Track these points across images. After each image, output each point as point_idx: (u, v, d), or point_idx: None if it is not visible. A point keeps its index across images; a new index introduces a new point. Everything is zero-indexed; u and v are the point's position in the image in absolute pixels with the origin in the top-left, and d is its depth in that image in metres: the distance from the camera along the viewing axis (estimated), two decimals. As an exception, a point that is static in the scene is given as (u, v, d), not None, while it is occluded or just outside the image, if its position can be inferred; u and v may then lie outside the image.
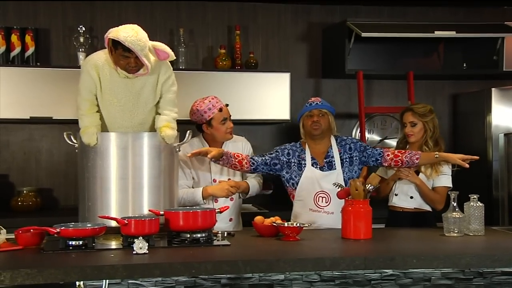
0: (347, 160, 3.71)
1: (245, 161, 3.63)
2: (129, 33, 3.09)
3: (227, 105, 3.82)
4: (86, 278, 2.60)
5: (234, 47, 5.04)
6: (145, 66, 3.18)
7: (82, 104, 3.28)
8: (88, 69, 3.24)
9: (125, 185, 3.18)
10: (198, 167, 3.79)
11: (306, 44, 5.35)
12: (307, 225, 3.27)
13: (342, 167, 3.68)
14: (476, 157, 3.64)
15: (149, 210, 3.14)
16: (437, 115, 3.96)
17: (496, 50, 5.06)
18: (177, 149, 3.33)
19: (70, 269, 2.55)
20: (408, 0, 5.29)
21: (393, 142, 5.28)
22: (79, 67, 3.87)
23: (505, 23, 5.15)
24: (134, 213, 3.15)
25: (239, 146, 3.88)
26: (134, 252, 2.78)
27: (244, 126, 4.83)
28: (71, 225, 2.97)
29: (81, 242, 2.89)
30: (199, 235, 3.04)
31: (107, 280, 2.72)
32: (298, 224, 3.22)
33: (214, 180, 3.78)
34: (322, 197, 3.63)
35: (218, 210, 3.21)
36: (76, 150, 3.29)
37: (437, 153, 3.69)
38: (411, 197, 3.84)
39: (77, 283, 2.67)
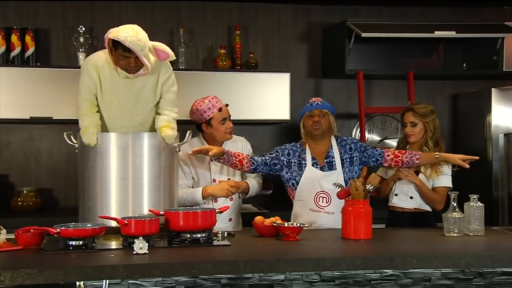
0: (348, 160, 3.71)
1: (246, 160, 3.63)
2: (129, 33, 3.09)
3: (227, 105, 3.82)
4: (86, 278, 2.60)
5: (234, 47, 5.04)
6: (145, 66, 3.18)
7: (82, 104, 3.28)
8: (88, 69, 3.24)
9: (125, 185, 3.18)
10: (197, 166, 3.79)
11: (306, 44, 5.35)
12: (307, 225, 3.27)
13: (342, 167, 3.68)
14: (476, 158, 3.64)
15: (149, 210, 3.14)
16: (437, 115, 3.96)
17: (496, 50, 5.06)
18: (177, 149, 3.33)
19: (70, 269, 2.56)
20: (408, 0, 5.29)
21: (393, 142, 5.28)
22: (79, 67, 3.87)
23: (505, 23, 5.15)
24: (134, 213, 3.15)
25: (238, 146, 3.88)
26: (134, 252, 2.78)
27: (244, 126, 4.83)
28: (71, 225, 2.97)
29: (81, 242, 2.89)
30: (199, 235, 3.04)
31: (107, 280, 2.72)
32: (298, 224, 3.22)
33: (214, 180, 3.78)
34: (323, 197, 3.63)
35: (218, 210, 3.21)
36: (76, 150, 3.29)
37: (437, 153, 3.69)
38: (411, 197, 3.84)
39: (77, 283, 2.67)
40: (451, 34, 4.96)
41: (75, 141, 3.27)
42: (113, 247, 2.99)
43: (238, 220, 3.91)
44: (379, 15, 5.37)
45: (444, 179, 3.80)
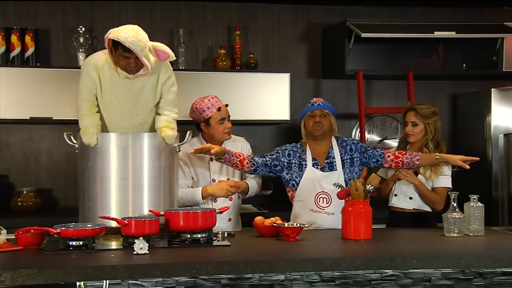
0: (348, 161, 3.71)
1: (246, 161, 3.63)
2: (129, 34, 3.09)
3: (226, 105, 3.82)
4: (87, 279, 2.59)
5: (234, 48, 5.04)
6: (145, 66, 3.18)
7: (82, 104, 3.28)
8: (88, 70, 3.24)
9: (125, 186, 3.18)
10: (197, 166, 3.80)
11: (306, 45, 5.36)
12: (307, 225, 3.27)
13: (343, 168, 3.68)
14: (477, 158, 3.64)
15: (149, 211, 3.14)
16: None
17: (495, 51, 5.06)
18: (177, 150, 3.33)
19: (70, 269, 2.55)
20: (408, 0, 5.29)
21: (392, 143, 5.29)
22: (79, 67, 3.88)
23: (505, 23, 5.16)
24: (134, 213, 3.15)
25: (238, 147, 3.88)
26: (134, 253, 2.78)
27: (244, 127, 4.83)
28: (71, 226, 2.97)
29: (81, 243, 2.89)
30: (199, 236, 3.04)
31: (108, 281, 2.72)
32: (298, 225, 3.22)
33: (213, 180, 3.78)
34: (323, 198, 3.63)
35: (219, 210, 3.21)
36: (76, 151, 3.29)
37: (437, 154, 3.69)
38: (410, 198, 3.84)
39: (78, 283, 2.66)
40: (451, 34, 4.97)
41: (75, 141, 3.27)
42: (113, 247, 2.99)
43: (237, 220, 3.91)
44: (379, 16, 5.37)
45: (444, 180, 3.80)
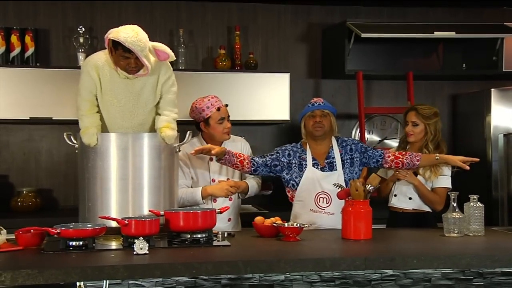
0: (348, 161, 3.71)
1: (246, 161, 3.63)
2: (129, 34, 3.09)
3: (226, 105, 3.82)
4: (87, 279, 2.59)
5: (234, 48, 5.04)
6: (145, 66, 3.18)
7: (82, 104, 3.28)
8: (88, 70, 3.24)
9: (125, 186, 3.18)
10: (197, 166, 3.80)
11: (306, 45, 5.36)
12: (307, 225, 3.27)
13: (343, 168, 3.68)
14: (477, 159, 3.64)
15: (149, 211, 3.14)
16: (437, 116, 3.97)
17: (495, 51, 5.07)
18: (177, 150, 3.33)
19: (70, 269, 2.56)
20: (408, 0, 5.29)
21: (392, 143, 5.29)
22: (79, 67, 3.88)
23: (505, 23, 5.16)
24: (134, 213, 3.15)
25: (238, 147, 3.88)
26: (134, 253, 2.78)
27: (244, 127, 4.83)
28: (71, 226, 2.97)
29: (81, 243, 2.89)
30: (199, 236, 3.04)
31: (108, 281, 2.72)
32: (298, 225, 3.23)
33: (213, 180, 3.78)
34: (323, 198, 3.63)
35: (218, 210, 3.21)
36: (76, 151, 3.29)
37: (437, 155, 3.68)
38: (410, 198, 3.84)
39: (78, 283, 2.66)
40: (451, 34, 4.97)
41: (75, 142, 3.27)
42: (113, 247, 2.99)
43: (237, 220, 3.91)
44: (379, 16, 5.38)
45: (444, 180, 3.80)
